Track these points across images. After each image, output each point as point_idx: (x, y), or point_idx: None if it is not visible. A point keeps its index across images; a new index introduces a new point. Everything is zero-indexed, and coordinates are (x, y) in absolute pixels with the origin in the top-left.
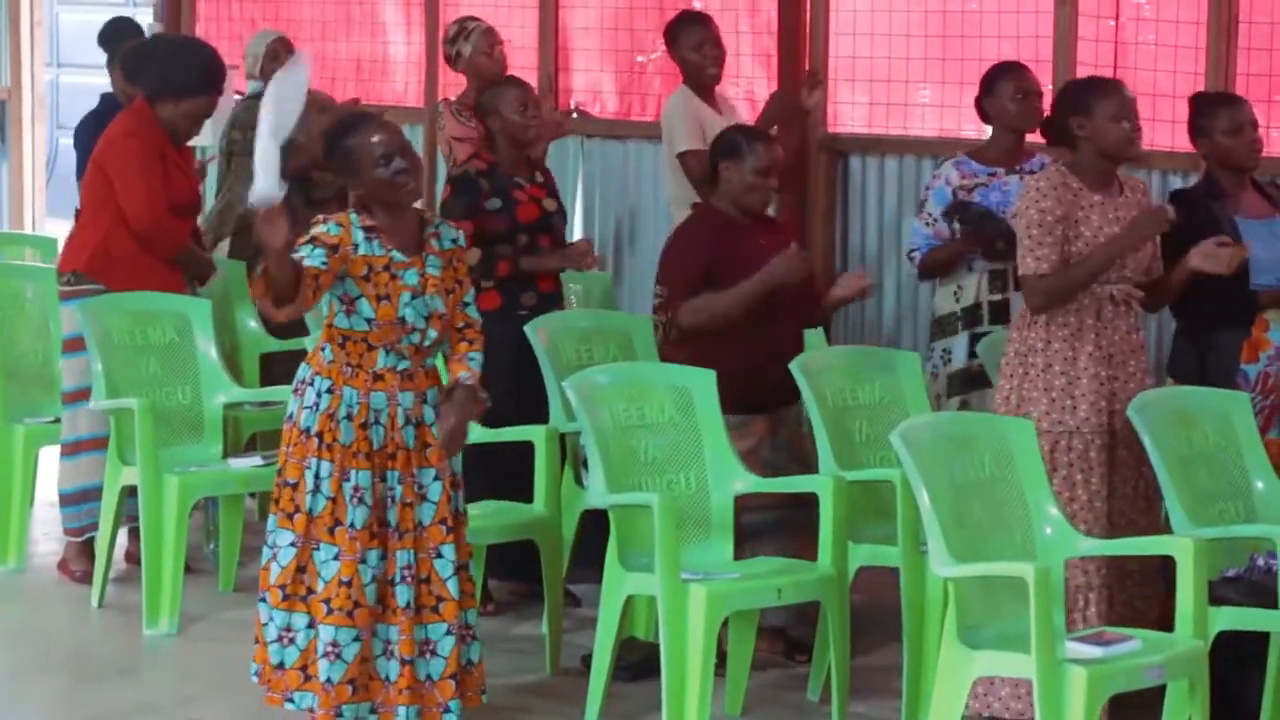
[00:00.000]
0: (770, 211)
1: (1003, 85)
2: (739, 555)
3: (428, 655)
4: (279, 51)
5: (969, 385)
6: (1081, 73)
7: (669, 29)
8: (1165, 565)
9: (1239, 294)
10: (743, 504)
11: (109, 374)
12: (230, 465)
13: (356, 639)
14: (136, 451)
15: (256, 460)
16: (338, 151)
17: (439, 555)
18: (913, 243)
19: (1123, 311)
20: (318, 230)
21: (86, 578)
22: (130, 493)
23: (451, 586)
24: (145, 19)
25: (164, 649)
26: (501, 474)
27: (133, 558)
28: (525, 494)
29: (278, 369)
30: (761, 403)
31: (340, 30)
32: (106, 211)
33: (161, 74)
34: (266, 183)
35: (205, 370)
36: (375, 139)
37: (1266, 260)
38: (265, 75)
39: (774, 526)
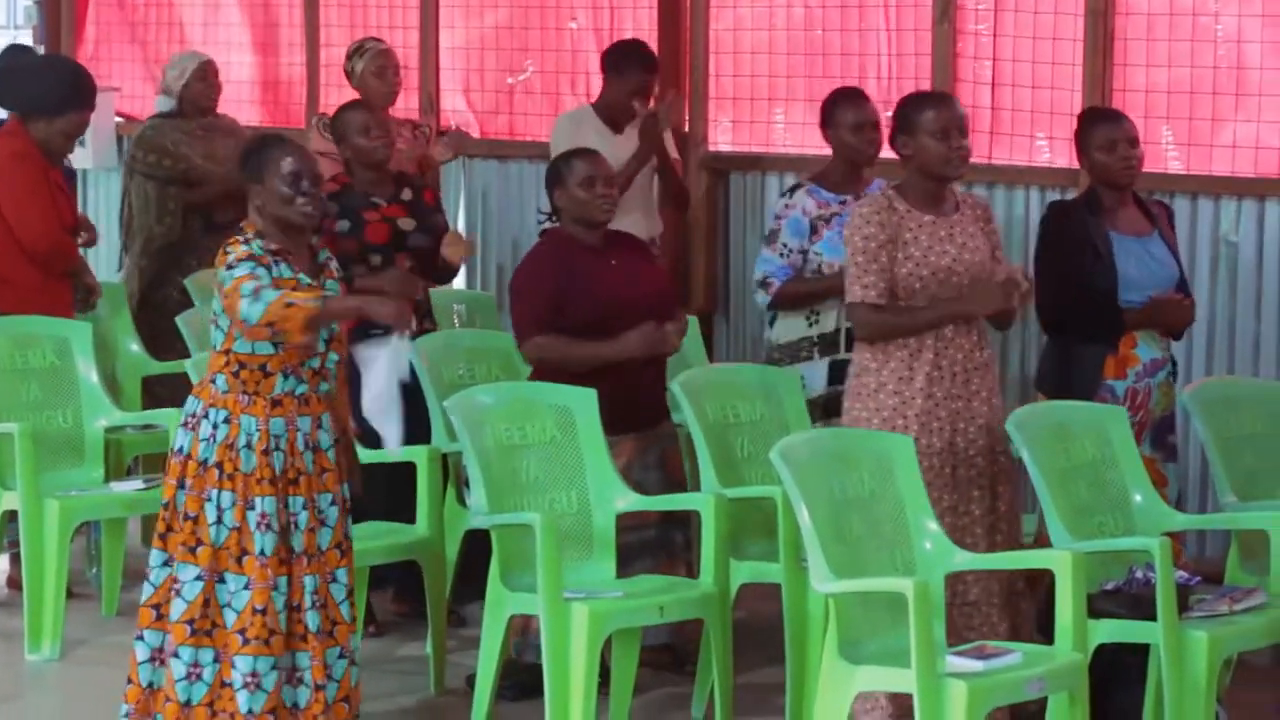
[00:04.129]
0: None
1: (841, 115)
2: (619, 575)
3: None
4: (206, 74)
5: (830, 412)
6: (962, 90)
7: (614, 54)
8: (1006, 595)
9: (1107, 309)
10: (633, 524)
11: None
12: (112, 489)
13: (274, 667)
14: (17, 476)
15: (138, 484)
16: (249, 160)
17: (334, 580)
18: (767, 271)
19: (964, 330)
20: (245, 248)
21: None
22: (11, 517)
23: (344, 610)
24: (25, 41)
25: (47, 674)
26: (383, 495)
27: (14, 583)
28: (408, 515)
29: (159, 392)
30: (628, 423)
31: (228, 51)
32: None
33: (31, 93)
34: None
35: (86, 393)
36: (287, 158)
37: (1138, 278)
38: (186, 94)
39: (648, 546)
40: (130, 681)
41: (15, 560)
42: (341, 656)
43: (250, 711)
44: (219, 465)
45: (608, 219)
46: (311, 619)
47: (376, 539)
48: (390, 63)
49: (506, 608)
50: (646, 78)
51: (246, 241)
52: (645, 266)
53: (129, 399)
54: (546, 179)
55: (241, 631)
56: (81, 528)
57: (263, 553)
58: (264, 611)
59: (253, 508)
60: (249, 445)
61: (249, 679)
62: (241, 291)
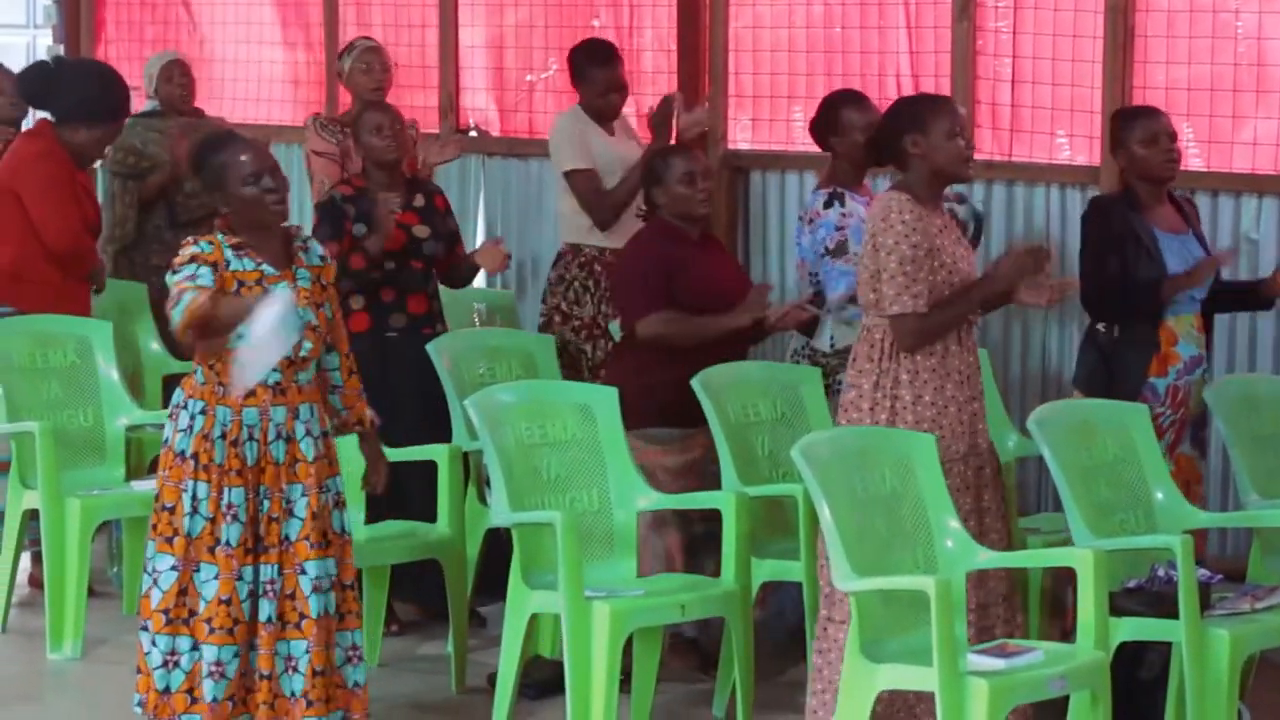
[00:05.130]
0: None
1: (849, 117)
2: (695, 565)
3: (290, 671)
4: (173, 74)
5: None
6: (982, 88)
7: (575, 60)
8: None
9: (1152, 298)
10: (700, 514)
11: (9, 397)
12: (133, 487)
13: (237, 655)
14: (38, 475)
15: None
16: (206, 168)
17: (303, 572)
18: (851, 285)
19: (969, 331)
20: (194, 250)
21: None
22: (32, 516)
23: (313, 604)
24: (45, 40)
25: (68, 673)
26: (400, 494)
27: (36, 581)
28: (428, 514)
29: None
30: (704, 416)
31: (246, 50)
32: (13, 234)
33: (72, 100)
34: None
35: (107, 392)
36: (244, 157)
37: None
38: (159, 96)
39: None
40: (140, 671)
41: (37, 559)
42: (308, 651)
43: (215, 699)
44: (195, 456)
45: (707, 212)
46: (263, 607)
47: (398, 538)
48: (377, 60)
49: (527, 606)
50: (606, 72)
51: (197, 240)
52: (734, 266)
53: (150, 398)
54: (643, 177)
55: (208, 621)
56: (102, 526)
57: (227, 543)
58: (229, 601)
59: (223, 498)
60: (222, 435)
61: (214, 668)
62: (173, 300)
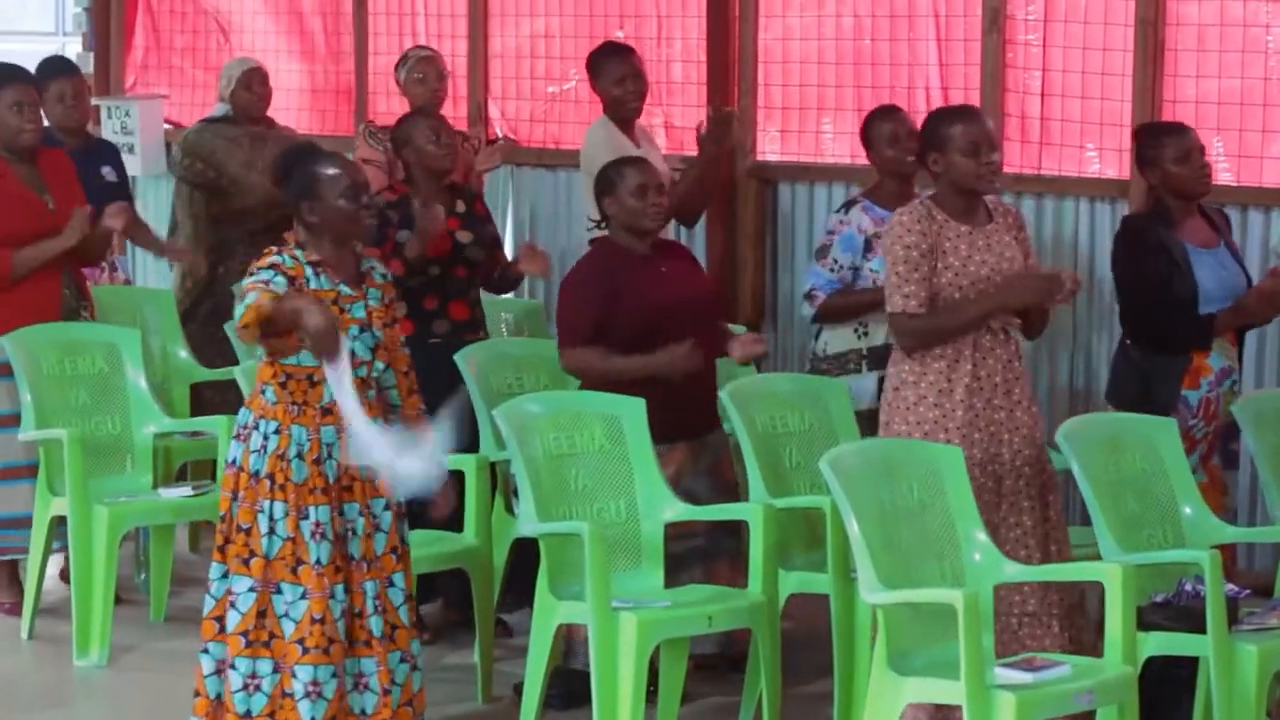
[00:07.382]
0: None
1: (877, 130)
2: (668, 584)
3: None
4: (253, 81)
5: (875, 425)
6: (1011, 100)
7: (590, 61)
8: (1067, 607)
9: (1191, 319)
10: (665, 533)
11: (38, 404)
12: (160, 495)
13: (334, 675)
14: (66, 482)
15: (187, 490)
16: (297, 176)
17: (391, 584)
18: (814, 284)
19: (1002, 340)
20: (275, 259)
21: (16, 609)
22: (60, 523)
23: (403, 614)
24: (74, 48)
25: (95, 680)
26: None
27: (66, 576)
28: (455, 523)
29: (207, 399)
30: (680, 430)
31: (277, 59)
32: None
33: None
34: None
35: (135, 400)
36: (341, 171)
37: (1214, 290)
38: (235, 101)
39: (696, 554)
40: (198, 694)
41: (64, 576)
42: (403, 661)
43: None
44: (270, 476)
45: (658, 227)
46: (375, 624)
47: (425, 547)
48: (431, 69)
49: (554, 617)
50: (615, 62)
51: (279, 252)
52: (693, 273)
53: (177, 405)
54: (596, 187)
55: (300, 641)
56: (130, 534)
57: (319, 562)
58: (322, 620)
59: (306, 517)
60: (300, 455)
61: (310, 688)
62: (239, 297)
